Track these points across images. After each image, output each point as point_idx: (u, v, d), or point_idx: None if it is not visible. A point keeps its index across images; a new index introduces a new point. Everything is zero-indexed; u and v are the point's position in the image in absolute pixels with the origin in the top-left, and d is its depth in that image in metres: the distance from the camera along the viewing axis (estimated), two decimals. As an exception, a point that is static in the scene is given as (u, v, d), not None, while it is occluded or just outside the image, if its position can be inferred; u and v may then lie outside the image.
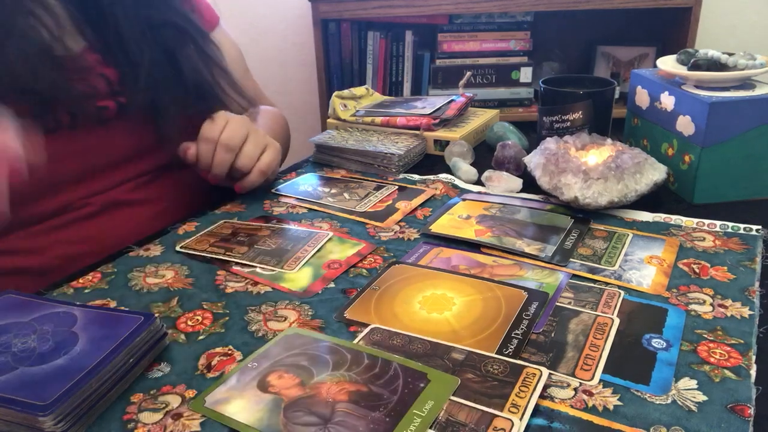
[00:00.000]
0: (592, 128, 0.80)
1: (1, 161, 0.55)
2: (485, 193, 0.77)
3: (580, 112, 0.80)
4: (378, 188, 0.79)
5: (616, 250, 0.61)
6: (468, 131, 0.91)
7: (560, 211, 0.70)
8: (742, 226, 0.65)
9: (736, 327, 0.49)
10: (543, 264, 0.60)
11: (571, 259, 0.60)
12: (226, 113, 0.75)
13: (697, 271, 0.57)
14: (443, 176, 0.82)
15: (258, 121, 0.87)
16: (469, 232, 0.66)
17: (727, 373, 0.44)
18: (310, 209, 0.74)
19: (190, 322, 0.53)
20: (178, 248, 0.65)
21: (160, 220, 0.74)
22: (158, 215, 0.75)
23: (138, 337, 0.46)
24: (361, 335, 0.50)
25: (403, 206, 0.74)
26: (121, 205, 0.73)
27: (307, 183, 0.82)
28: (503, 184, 0.77)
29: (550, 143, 0.74)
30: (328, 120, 0.98)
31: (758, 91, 0.69)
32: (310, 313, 0.54)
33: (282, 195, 0.79)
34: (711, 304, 0.52)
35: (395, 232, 0.68)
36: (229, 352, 0.49)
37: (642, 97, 0.80)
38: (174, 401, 0.44)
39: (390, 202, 0.75)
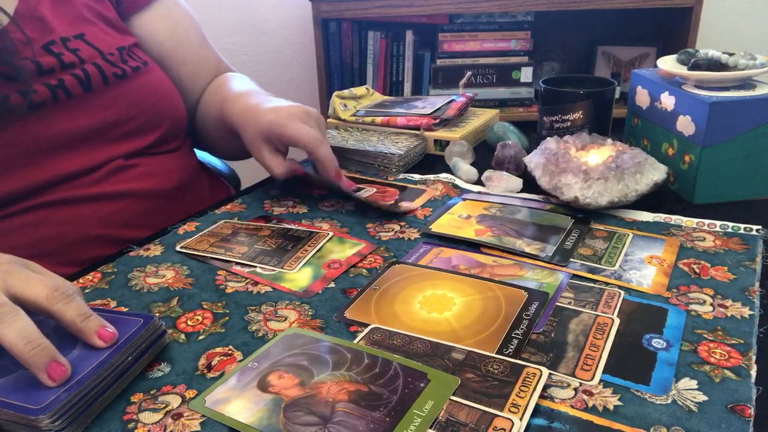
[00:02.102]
0: (592, 128, 0.80)
1: None
2: (485, 193, 0.77)
3: (580, 112, 0.80)
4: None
5: (616, 250, 0.61)
6: (468, 131, 0.91)
7: (560, 211, 0.70)
8: (742, 226, 0.65)
9: (736, 327, 0.49)
10: (543, 264, 0.60)
11: (571, 259, 0.60)
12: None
13: (698, 271, 0.57)
14: (443, 176, 0.82)
15: (236, 87, 0.85)
16: (469, 232, 0.66)
17: (728, 373, 0.44)
18: (310, 209, 0.74)
19: (190, 322, 0.53)
20: (178, 248, 0.65)
21: (125, 217, 0.73)
22: (121, 211, 0.73)
23: (136, 336, 0.46)
24: (361, 335, 0.50)
25: (406, 206, 0.74)
26: (72, 202, 0.70)
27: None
28: (503, 184, 0.77)
29: (550, 143, 0.74)
30: (328, 120, 0.98)
31: (758, 91, 0.69)
32: (310, 313, 0.54)
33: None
34: (711, 304, 0.52)
35: (395, 232, 0.68)
36: (230, 352, 0.49)
37: (642, 97, 0.80)
38: (174, 401, 0.44)
39: (392, 202, 0.75)
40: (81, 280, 0.60)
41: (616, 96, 0.84)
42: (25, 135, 0.66)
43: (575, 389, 0.43)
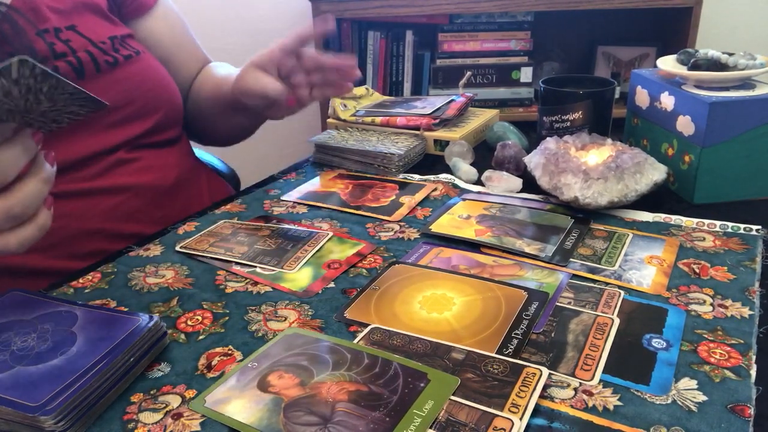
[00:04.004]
0: (592, 128, 0.80)
1: None
2: (485, 193, 0.77)
3: (580, 112, 0.80)
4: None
5: (616, 250, 0.61)
6: (468, 131, 0.91)
7: (560, 211, 0.70)
8: (742, 226, 0.65)
9: (736, 327, 0.49)
10: (543, 264, 0.60)
11: (571, 259, 0.60)
12: None
13: (697, 271, 0.57)
14: (443, 176, 0.82)
15: (221, 73, 0.88)
16: (469, 232, 0.66)
17: (728, 373, 0.44)
18: (310, 208, 0.74)
19: (190, 322, 0.53)
20: (178, 248, 0.65)
21: (124, 211, 0.73)
22: (121, 205, 0.73)
23: (137, 338, 0.46)
24: (361, 335, 0.50)
25: (408, 200, 0.74)
26: (73, 195, 0.70)
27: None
28: (503, 184, 0.77)
29: (550, 143, 0.74)
30: (328, 120, 0.98)
31: (758, 91, 0.69)
32: (310, 313, 0.54)
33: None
34: (711, 304, 0.52)
35: (395, 232, 0.68)
36: (229, 352, 0.49)
37: (642, 97, 0.80)
38: (174, 401, 0.44)
39: (393, 197, 0.75)
40: (81, 280, 0.60)
41: (616, 96, 0.84)
42: None
43: (575, 389, 0.43)
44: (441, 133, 0.90)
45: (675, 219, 0.67)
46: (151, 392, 0.45)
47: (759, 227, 0.64)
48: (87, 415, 0.42)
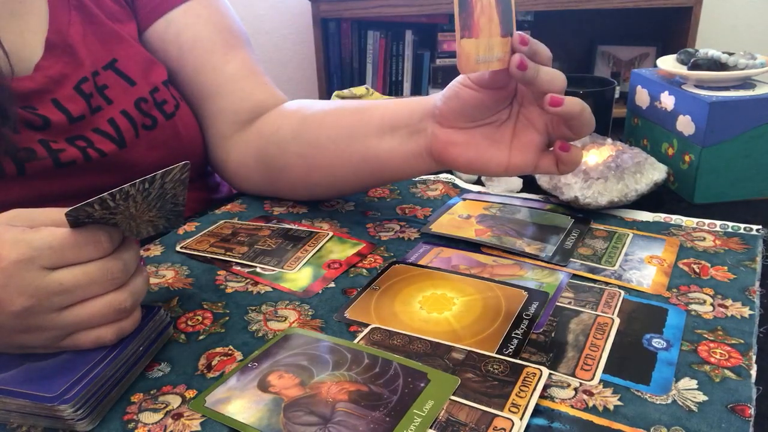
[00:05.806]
0: (592, 128, 0.80)
1: None
2: (485, 193, 0.77)
3: (580, 112, 0.80)
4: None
5: (616, 250, 0.61)
6: (468, 131, 0.91)
7: (560, 211, 0.70)
8: (742, 226, 0.65)
9: (736, 327, 0.49)
10: (543, 264, 0.60)
11: (571, 259, 0.60)
12: None
13: (698, 270, 0.57)
14: (443, 176, 0.82)
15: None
16: (469, 232, 0.66)
17: (728, 373, 0.44)
18: (310, 209, 0.74)
19: (190, 322, 0.53)
20: (178, 248, 0.65)
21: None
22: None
23: (145, 327, 0.47)
24: (361, 335, 0.50)
25: None
26: None
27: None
28: (503, 183, 0.77)
29: (550, 143, 0.74)
30: (328, 120, 0.98)
31: (758, 91, 0.69)
32: (310, 313, 0.54)
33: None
34: (711, 304, 0.52)
35: (395, 232, 0.68)
36: (230, 352, 0.49)
37: (642, 97, 0.80)
38: (174, 401, 0.44)
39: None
40: (81, 280, 0.60)
41: (616, 96, 0.84)
42: (53, 189, 0.62)
43: (575, 389, 0.43)
44: (441, 133, 0.90)
45: (675, 219, 0.67)
46: (151, 392, 0.45)
47: (759, 227, 0.64)
48: (102, 404, 0.42)
